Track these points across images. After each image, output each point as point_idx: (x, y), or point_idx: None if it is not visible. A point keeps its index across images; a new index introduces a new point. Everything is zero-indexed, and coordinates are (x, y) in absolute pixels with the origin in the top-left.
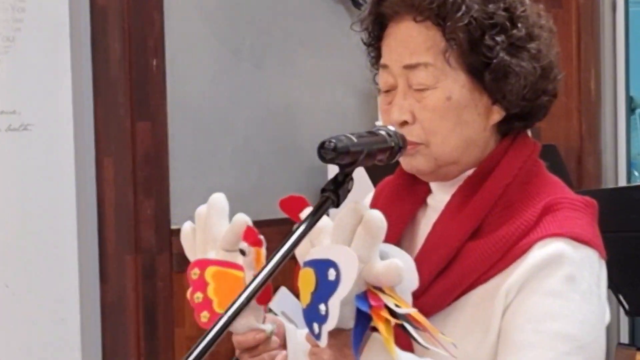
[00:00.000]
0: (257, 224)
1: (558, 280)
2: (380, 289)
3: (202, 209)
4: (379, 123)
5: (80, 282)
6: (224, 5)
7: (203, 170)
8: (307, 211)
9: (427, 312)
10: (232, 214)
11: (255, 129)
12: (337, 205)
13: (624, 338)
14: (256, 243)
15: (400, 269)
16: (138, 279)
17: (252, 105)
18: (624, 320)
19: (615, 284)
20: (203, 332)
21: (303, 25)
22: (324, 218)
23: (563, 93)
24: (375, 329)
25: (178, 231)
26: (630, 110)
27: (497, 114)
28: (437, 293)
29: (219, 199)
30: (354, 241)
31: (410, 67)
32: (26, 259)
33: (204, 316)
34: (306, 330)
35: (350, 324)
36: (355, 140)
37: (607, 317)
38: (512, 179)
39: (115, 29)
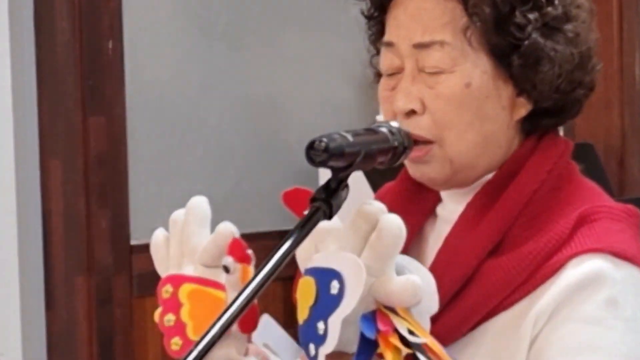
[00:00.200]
0: None
1: (597, 306)
2: (393, 310)
3: (178, 215)
4: (379, 118)
5: (22, 309)
6: None
7: (169, 175)
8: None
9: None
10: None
11: (232, 125)
12: (329, 217)
13: None
14: (243, 259)
15: (417, 288)
16: (91, 304)
17: (227, 95)
18: None
19: None
20: None
21: None
22: (333, 218)
23: (602, 82)
24: (381, 357)
25: (139, 248)
26: None
27: (524, 108)
28: (451, 321)
29: (199, 203)
30: (365, 250)
31: (422, 46)
32: None
33: (175, 343)
34: None
35: (353, 347)
36: (351, 139)
37: None
38: (540, 184)
39: (63, 4)
